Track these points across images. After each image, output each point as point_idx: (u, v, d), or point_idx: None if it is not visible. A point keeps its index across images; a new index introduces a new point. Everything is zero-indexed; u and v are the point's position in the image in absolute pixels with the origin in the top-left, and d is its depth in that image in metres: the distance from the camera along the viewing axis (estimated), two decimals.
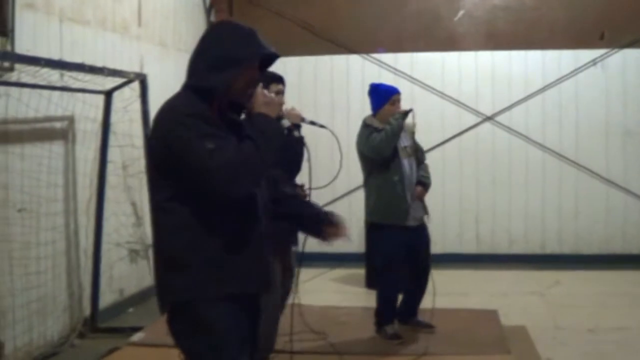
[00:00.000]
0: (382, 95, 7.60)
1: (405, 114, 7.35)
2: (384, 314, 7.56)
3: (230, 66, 3.58)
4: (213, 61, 3.59)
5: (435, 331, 7.56)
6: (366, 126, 7.59)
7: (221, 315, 3.56)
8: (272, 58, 3.81)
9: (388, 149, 7.35)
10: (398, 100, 7.57)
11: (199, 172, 3.40)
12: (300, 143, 3.84)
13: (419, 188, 7.54)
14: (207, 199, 3.49)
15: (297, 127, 5.51)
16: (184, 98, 3.58)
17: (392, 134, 7.31)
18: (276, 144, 3.63)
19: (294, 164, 6.04)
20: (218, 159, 3.37)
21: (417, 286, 7.67)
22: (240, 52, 3.61)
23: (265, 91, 3.75)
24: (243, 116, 3.84)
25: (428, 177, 7.73)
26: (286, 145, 3.82)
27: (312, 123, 4.26)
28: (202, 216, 3.52)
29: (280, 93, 5.97)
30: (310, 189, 4.49)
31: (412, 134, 7.69)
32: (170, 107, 3.59)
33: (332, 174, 4.87)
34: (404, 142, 7.54)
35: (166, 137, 3.48)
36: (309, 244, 4.43)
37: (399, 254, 7.42)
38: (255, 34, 3.69)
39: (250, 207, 3.69)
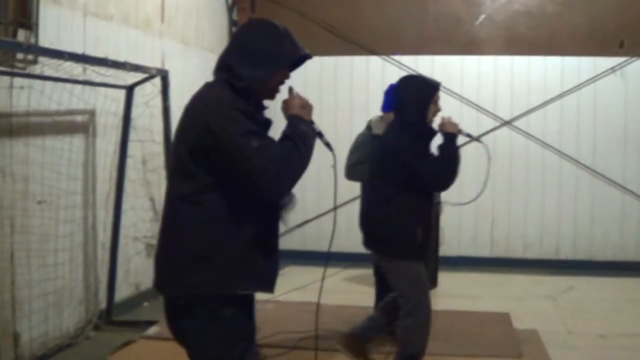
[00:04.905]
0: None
1: None
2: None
3: (266, 65, 3.61)
4: (249, 59, 3.61)
5: (447, 333, 7.55)
6: (367, 127, 7.65)
7: (236, 313, 3.59)
8: (303, 59, 3.83)
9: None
10: None
11: (243, 169, 3.41)
12: (329, 147, 3.86)
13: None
14: (238, 194, 3.50)
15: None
16: (226, 92, 3.56)
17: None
18: (312, 146, 3.67)
19: None
20: (264, 158, 3.39)
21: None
22: (277, 52, 3.64)
23: (301, 94, 3.79)
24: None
25: None
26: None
27: (319, 135, 4.18)
28: (230, 211, 3.51)
29: None
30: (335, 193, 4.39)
31: None
32: (215, 98, 3.55)
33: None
34: None
35: (210, 126, 3.44)
36: (323, 244, 4.42)
37: None
38: (290, 34, 3.72)
39: (274, 206, 3.71)
